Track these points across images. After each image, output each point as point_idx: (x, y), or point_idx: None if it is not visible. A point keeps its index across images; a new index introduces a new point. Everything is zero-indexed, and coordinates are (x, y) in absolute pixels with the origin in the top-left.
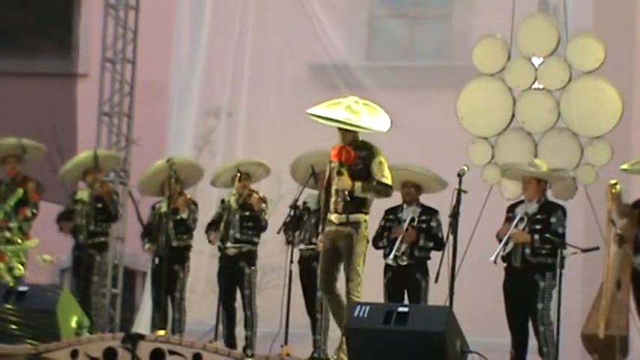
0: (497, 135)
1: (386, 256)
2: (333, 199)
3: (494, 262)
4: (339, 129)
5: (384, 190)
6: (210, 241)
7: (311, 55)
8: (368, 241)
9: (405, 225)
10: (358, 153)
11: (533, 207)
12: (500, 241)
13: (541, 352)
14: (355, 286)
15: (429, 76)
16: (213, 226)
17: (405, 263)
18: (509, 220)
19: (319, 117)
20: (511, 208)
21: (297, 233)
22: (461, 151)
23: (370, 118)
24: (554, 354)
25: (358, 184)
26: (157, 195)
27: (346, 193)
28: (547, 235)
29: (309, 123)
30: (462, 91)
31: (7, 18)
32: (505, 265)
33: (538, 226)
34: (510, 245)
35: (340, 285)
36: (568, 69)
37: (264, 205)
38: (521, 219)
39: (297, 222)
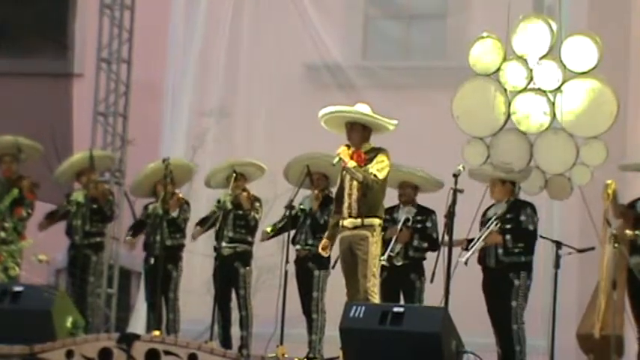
0: (492, 135)
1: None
2: (346, 204)
3: (465, 263)
4: (349, 130)
5: (370, 181)
6: (192, 236)
7: (306, 55)
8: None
9: (399, 225)
10: (368, 155)
11: (502, 207)
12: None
13: (513, 350)
14: (372, 286)
15: (424, 76)
16: (203, 222)
17: (399, 263)
18: (482, 224)
19: (335, 114)
20: (485, 213)
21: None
22: (456, 151)
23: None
24: (525, 352)
25: (352, 163)
26: (148, 196)
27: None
28: (515, 235)
29: (305, 123)
30: (458, 91)
31: (3, 18)
32: (482, 266)
33: (508, 226)
34: (481, 245)
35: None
36: (563, 69)
37: (257, 204)
38: (496, 223)
39: (294, 222)
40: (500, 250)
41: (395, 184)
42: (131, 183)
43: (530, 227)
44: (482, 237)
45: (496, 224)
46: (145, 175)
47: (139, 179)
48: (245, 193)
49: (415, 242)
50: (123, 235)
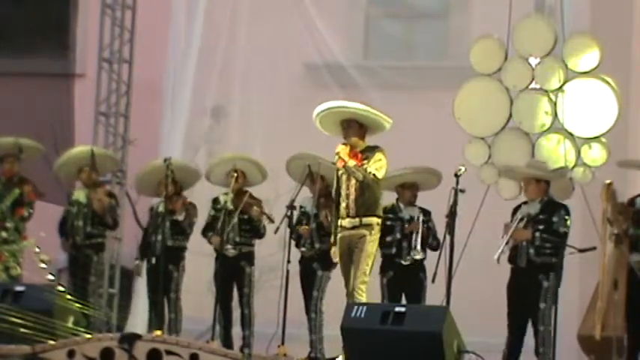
0: (494, 135)
1: (409, 250)
2: (343, 204)
3: (497, 261)
4: (345, 128)
5: (370, 180)
6: (211, 243)
7: (307, 54)
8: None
9: (420, 222)
10: (364, 154)
11: (535, 207)
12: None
13: (537, 352)
14: (360, 284)
15: (425, 75)
16: (209, 229)
17: (419, 257)
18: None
19: (331, 110)
20: (515, 210)
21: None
22: (458, 151)
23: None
24: (551, 354)
25: (352, 162)
26: (152, 195)
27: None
28: (545, 236)
29: (306, 122)
30: (459, 91)
31: (4, 17)
32: (512, 265)
33: (541, 226)
34: (510, 244)
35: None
36: (565, 69)
37: (268, 212)
38: (522, 219)
39: (296, 223)
40: (531, 250)
41: (393, 186)
42: (135, 179)
43: (562, 230)
44: (510, 233)
45: (521, 220)
46: (149, 172)
47: (141, 176)
48: (257, 208)
49: (430, 240)
50: (124, 234)
